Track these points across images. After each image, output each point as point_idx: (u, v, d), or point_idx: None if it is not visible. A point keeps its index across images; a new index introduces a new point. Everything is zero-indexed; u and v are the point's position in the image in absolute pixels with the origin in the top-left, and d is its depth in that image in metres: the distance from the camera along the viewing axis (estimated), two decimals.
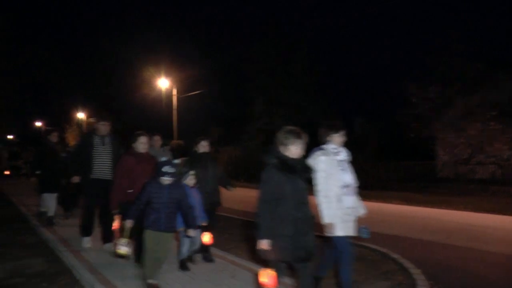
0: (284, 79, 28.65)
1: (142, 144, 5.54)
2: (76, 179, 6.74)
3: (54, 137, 8.93)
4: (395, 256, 6.18)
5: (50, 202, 8.72)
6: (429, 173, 21.74)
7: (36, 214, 8.88)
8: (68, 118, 51.11)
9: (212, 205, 5.78)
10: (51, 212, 8.69)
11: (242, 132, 30.40)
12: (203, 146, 5.94)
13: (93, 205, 6.56)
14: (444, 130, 19.08)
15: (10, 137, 46.52)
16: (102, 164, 6.44)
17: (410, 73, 28.90)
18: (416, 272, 5.34)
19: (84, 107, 49.25)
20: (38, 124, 58.55)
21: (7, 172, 23.45)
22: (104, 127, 6.59)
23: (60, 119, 51.86)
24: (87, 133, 7.06)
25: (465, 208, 11.92)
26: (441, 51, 18.26)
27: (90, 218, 6.62)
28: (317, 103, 27.95)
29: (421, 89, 18.55)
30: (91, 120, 46.40)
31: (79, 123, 50.70)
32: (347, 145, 4.44)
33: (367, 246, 6.86)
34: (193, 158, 5.86)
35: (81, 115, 50.41)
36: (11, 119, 29.05)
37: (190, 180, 5.36)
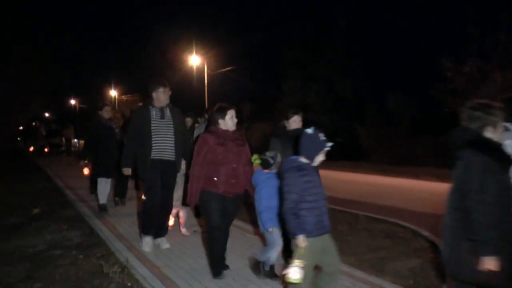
0: (321, 54, 28.33)
1: (232, 119, 4.35)
2: (127, 171, 5.40)
3: (107, 113, 7.77)
4: (426, 233, 6.09)
5: (104, 188, 7.65)
6: None
7: (98, 208, 7.63)
8: (101, 96, 52.06)
9: None
10: (103, 200, 7.61)
11: (275, 108, 30.35)
12: (295, 122, 4.67)
13: (156, 195, 5.22)
14: None
15: (46, 115, 47.92)
16: (162, 142, 5.23)
17: (446, 46, 27.96)
18: None
19: (116, 85, 50.01)
20: (73, 102, 59.97)
21: (46, 150, 23.81)
22: (164, 95, 5.31)
23: (93, 96, 52.91)
24: (142, 106, 5.66)
25: None
26: (482, 22, 17.51)
27: (152, 211, 5.25)
28: (351, 78, 27.57)
29: (457, 63, 17.96)
30: (124, 97, 47.12)
31: (112, 100, 51.59)
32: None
33: (398, 223, 6.81)
34: (284, 137, 4.56)
35: (113, 93, 51.23)
36: (47, 97, 29.89)
37: None
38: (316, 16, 28.64)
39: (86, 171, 8.91)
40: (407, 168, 15.42)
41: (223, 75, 31.72)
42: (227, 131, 4.32)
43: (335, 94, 27.82)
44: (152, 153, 5.18)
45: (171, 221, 5.94)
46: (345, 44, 28.23)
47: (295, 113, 4.69)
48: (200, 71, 31.23)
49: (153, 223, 5.30)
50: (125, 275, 4.36)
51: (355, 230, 6.60)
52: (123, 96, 49.71)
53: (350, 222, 7.07)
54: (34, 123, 25.18)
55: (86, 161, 8.38)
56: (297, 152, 3.29)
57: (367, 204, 8.83)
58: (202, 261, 4.76)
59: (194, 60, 31.04)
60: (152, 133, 5.19)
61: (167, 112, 5.34)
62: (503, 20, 16.65)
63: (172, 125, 5.31)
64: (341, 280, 3.88)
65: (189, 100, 30.57)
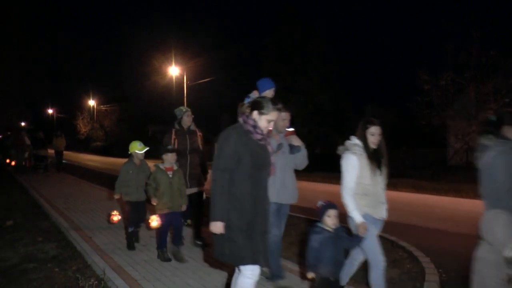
0: (300, 66, 28.61)
1: None
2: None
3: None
4: (404, 244, 6.16)
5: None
6: (441, 161, 21.60)
7: None
8: (79, 105, 51.47)
9: None
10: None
11: None
12: None
13: None
14: (456, 117, 18.88)
15: (22, 124, 47.09)
16: None
17: (423, 60, 28.64)
18: (425, 261, 5.33)
19: (95, 95, 49.53)
20: (50, 111, 59.07)
21: (28, 164, 18.72)
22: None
23: (71, 106, 52.24)
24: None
25: (475, 196, 11.83)
26: (456, 37, 17.94)
27: None
28: (329, 90, 27.92)
29: (433, 76, 18.34)
30: (103, 107, 46.48)
31: (90, 110, 50.96)
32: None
33: None
34: None
35: (92, 103, 50.68)
36: (24, 106, 29.43)
37: None
38: (294, 27, 28.97)
39: (116, 218, 6.33)
40: None
41: (202, 85, 31.73)
42: None
43: (314, 106, 28.11)
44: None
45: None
46: (323, 56, 28.63)
47: None
48: (180, 81, 31.19)
49: None
50: None
51: None
52: (101, 106, 49.24)
53: None
54: (9, 132, 23.33)
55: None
56: None
57: (344, 215, 8.87)
58: (181, 274, 4.70)
59: (174, 70, 31.03)
60: None
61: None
62: (475, 36, 17.13)
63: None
64: None
65: (168, 111, 30.48)
